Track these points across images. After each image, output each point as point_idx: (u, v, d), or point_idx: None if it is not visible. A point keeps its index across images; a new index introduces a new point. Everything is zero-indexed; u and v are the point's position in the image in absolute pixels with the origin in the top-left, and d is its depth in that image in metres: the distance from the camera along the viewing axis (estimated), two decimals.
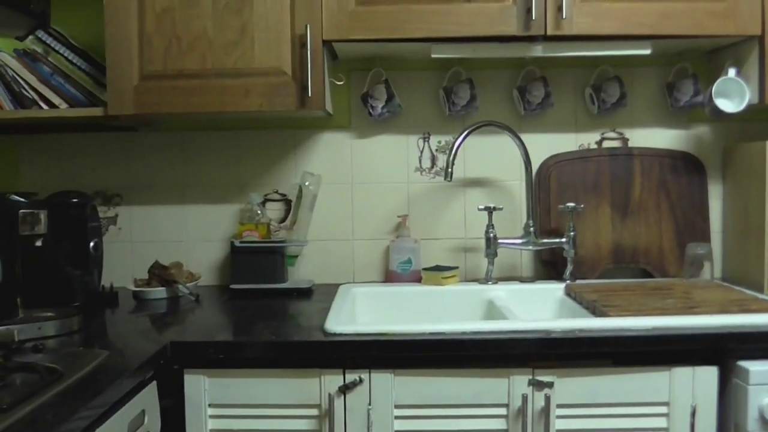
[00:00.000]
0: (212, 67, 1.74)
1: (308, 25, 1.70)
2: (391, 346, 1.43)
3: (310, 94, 1.71)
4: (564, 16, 1.70)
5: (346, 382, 1.44)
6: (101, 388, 1.13)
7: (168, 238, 2.10)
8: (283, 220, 2.08)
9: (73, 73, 1.84)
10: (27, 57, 1.84)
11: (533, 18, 1.70)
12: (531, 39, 1.78)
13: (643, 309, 1.58)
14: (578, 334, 1.44)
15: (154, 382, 1.36)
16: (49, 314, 1.52)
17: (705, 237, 2.02)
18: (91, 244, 1.84)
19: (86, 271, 1.82)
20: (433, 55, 1.82)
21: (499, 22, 1.73)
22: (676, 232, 2.02)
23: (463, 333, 1.45)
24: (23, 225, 1.51)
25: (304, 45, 1.71)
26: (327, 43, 1.76)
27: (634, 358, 1.45)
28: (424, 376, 1.44)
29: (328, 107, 1.86)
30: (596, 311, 1.62)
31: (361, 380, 1.44)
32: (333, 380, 1.44)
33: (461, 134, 1.87)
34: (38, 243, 1.56)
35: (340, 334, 1.46)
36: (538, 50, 1.83)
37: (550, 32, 1.73)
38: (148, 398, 1.32)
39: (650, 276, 2.03)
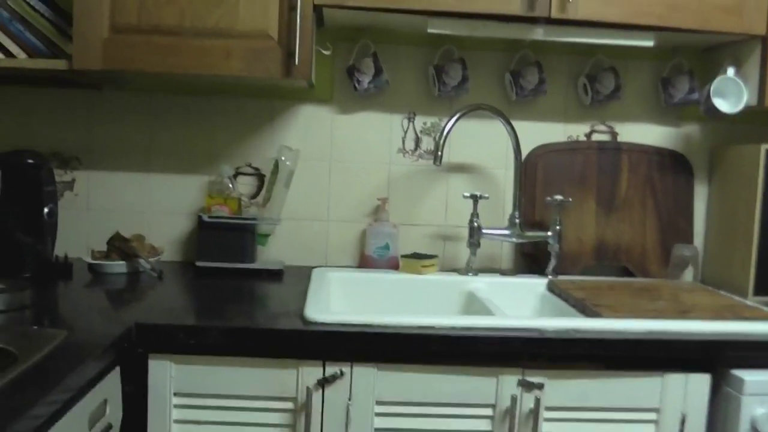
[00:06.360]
0: (191, 24, 1.59)
1: None
2: (375, 339, 1.33)
3: (296, 63, 1.59)
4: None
5: (326, 375, 1.34)
6: (61, 376, 1.00)
7: (129, 207, 1.94)
8: (254, 196, 1.95)
9: (34, 20, 1.66)
10: None
11: None
12: (533, 21, 1.69)
13: (635, 311, 1.52)
14: (573, 335, 1.37)
15: (117, 368, 1.23)
16: None
17: (688, 238, 1.98)
18: (46, 209, 1.68)
19: (39, 240, 1.67)
20: (429, 30, 1.71)
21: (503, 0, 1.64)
22: (659, 231, 1.98)
23: (453, 328, 1.36)
24: None
25: (293, 8, 1.58)
26: (317, 9, 1.63)
27: (627, 361, 1.38)
28: (408, 371, 1.35)
29: (312, 78, 1.73)
30: (587, 310, 1.55)
31: (342, 373, 1.34)
32: (312, 372, 1.34)
33: (453, 116, 1.77)
34: None
35: (322, 324, 1.35)
36: (539, 33, 1.74)
37: (554, 15, 1.64)
38: (111, 386, 1.19)
39: (630, 274, 1.98)
